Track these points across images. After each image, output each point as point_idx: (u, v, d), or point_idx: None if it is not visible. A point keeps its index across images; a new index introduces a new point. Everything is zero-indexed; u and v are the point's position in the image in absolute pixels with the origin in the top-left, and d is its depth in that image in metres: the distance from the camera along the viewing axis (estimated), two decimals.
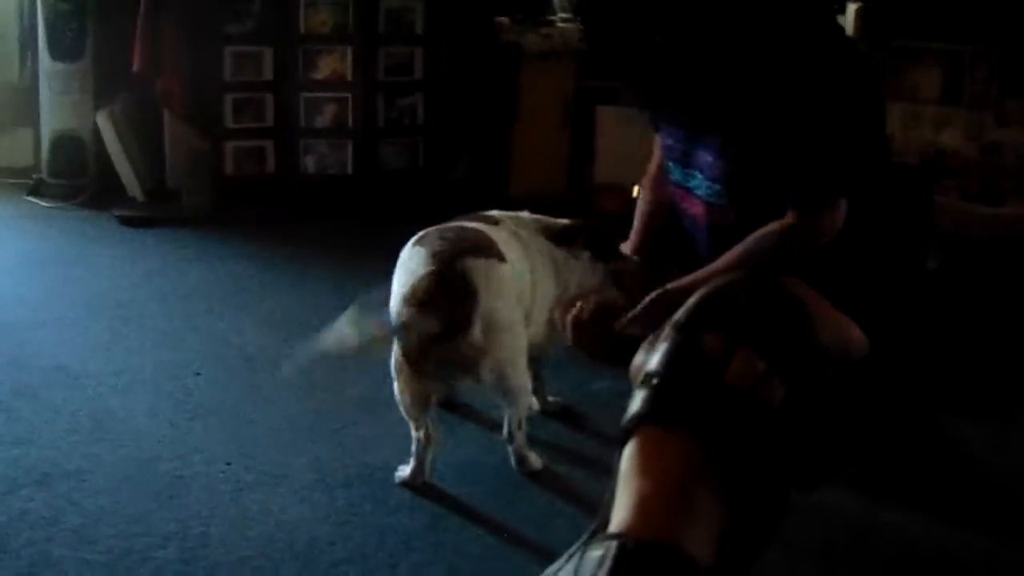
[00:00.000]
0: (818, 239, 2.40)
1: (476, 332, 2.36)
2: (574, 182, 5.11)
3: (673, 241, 2.75)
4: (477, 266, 2.42)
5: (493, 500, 2.45)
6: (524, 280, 2.58)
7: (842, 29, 3.11)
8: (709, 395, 0.83)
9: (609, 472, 0.89)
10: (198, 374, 3.08)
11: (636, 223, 2.86)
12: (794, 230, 2.40)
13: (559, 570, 0.84)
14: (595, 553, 0.79)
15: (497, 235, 2.59)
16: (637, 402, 0.86)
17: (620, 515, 0.82)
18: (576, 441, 2.74)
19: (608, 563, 0.77)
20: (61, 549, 2.21)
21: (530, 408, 2.64)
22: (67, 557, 2.18)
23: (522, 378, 2.48)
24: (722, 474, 0.82)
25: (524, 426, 2.53)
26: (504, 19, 5.10)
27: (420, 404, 2.47)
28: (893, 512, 2.46)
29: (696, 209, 2.59)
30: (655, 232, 2.81)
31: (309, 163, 5.01)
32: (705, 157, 2.52)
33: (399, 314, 2.39)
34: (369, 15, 4.97)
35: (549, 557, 2.24)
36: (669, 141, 2.68)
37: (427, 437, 2.48)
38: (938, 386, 3.10)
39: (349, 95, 5.00)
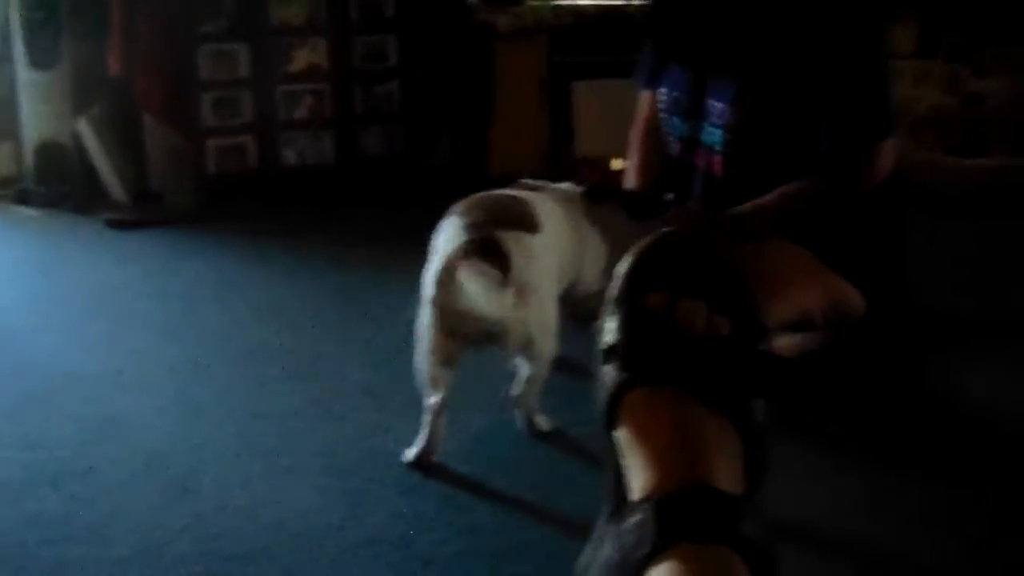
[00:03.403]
0: (870, 181, 2.53)
1: (508, 296, 2.38)
2: (554, 159, 5.13)
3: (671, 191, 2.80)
4: (507, 236, 2.47)
5: (502, 475, 2.47)
6: (565, 250, 2.66)
7: None
8: (671, 344, 0.88)
9: (601, 454, 0.92)
10: (200, 368, 3.11)
11: (635, 177, 2.90)
12: (842, 181, 2.53)
13: (595, 553, 0.86)
14: (632, 520, 0.80)
15: (537, 203, 2.65)
16: (610, 376, 0.90)
17: (641, 479, 0.85)
18: (582, 402, 2.75)
19: (651, 524, 0.78)
20: (79, 548, 2.22)
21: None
22: (86, 556, 2.20)
23: (550, 344, 2.51)
24: (713, 406, 0.86)
25: (538, 390, 2.57)
26: (475, 0, 5.13)
27: (447, 365, 2.49)
28: (894, 474, 2.47)
29: (708, 159, 2.62)
30: (654, 182, 2.86)
31: (290, 155, 5.03)
32: (715, 105, 2.56)
33: (436, 278, 2.42)
34: (340, 4, 4.99)
35: (565, 527, 2.24)
36: (675, 94, 2.71)
37: (442, 405, 2.48)
38: (933, 336, 3.15)
39: (326, 86, 5.02)
